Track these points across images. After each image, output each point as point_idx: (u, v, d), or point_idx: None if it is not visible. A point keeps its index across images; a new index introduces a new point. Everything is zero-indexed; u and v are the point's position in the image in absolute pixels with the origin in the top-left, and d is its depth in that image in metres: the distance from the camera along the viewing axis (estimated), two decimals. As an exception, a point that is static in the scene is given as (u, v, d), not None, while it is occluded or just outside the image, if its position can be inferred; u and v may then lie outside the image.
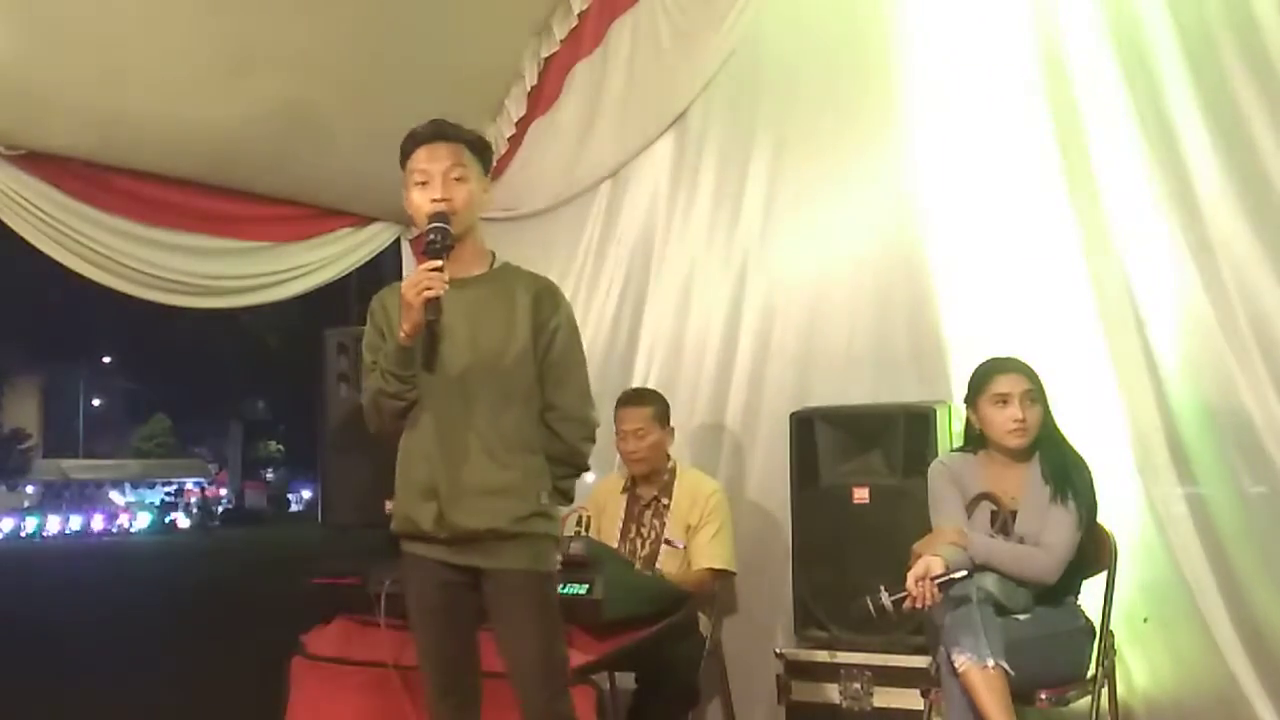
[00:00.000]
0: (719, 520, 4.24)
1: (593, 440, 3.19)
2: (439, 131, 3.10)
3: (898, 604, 3.30)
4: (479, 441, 2.98)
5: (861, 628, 3.83)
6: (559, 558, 3.20)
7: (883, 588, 3.33)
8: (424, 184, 3.02)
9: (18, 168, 4.16)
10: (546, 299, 3.10)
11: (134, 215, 4.47)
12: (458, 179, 3.03)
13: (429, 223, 2.95)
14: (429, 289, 2.86)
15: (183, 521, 41.78)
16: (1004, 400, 3.58)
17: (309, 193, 4.93)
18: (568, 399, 3.10)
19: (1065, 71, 4.07)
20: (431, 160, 3.03)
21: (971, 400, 3.67)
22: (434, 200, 2.99)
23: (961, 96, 4.28)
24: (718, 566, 4.22)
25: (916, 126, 4.37)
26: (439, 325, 2.92)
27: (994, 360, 3.68)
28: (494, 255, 3.16)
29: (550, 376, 3.07)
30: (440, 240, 2.92)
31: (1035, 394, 3.59)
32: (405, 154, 3.09)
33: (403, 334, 2.93)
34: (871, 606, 3.31)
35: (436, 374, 3.00)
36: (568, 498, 3.20)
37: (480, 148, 3.15)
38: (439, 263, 2.89)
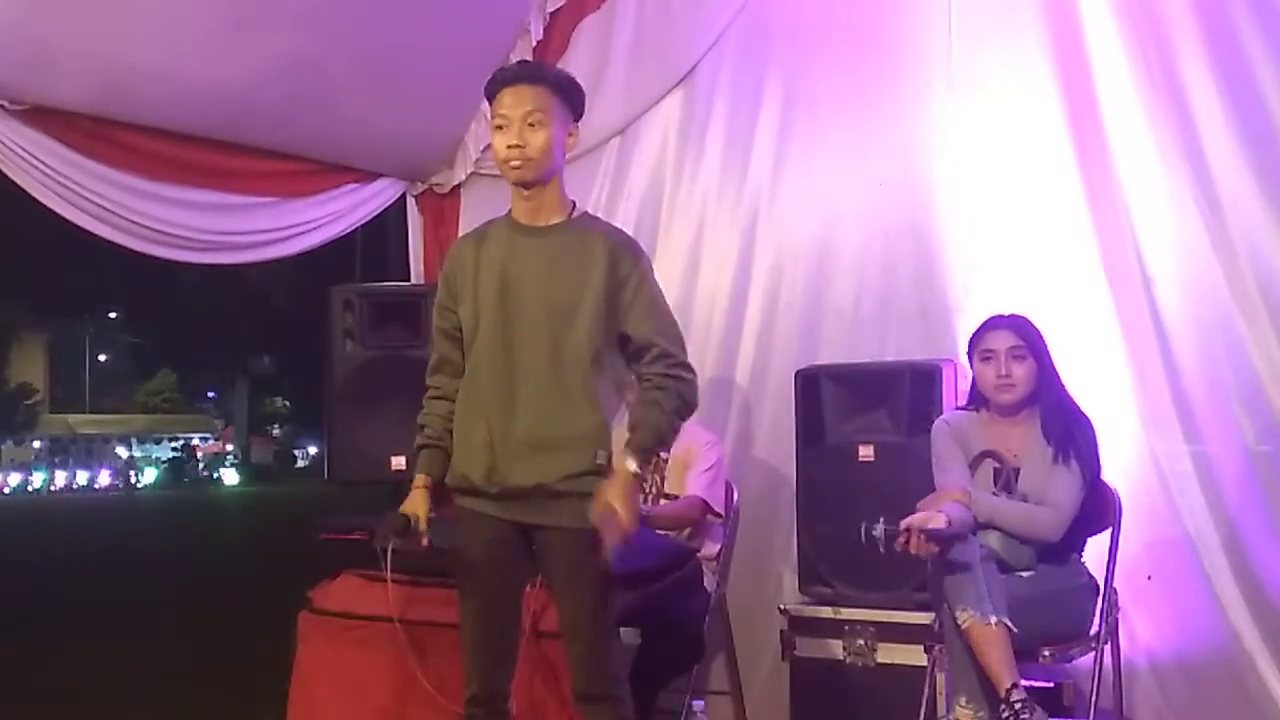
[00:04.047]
0: (712, 459, 4.18)
1: (689, 368, 3.04)
2: (521, 73, 3.03)
3: (889, 537, 3.29)
4: (537, 395, 2.92)
5: (865, 584, 3.85)
6: None
7: (882, 519, 3.32)
8: (501, 128, 2.95)
9: (22, 122, 4.14)
10: (624, 255, 2.98)
11: (138, 170, 4.44)
12: (534, 124, 2.92)
13: (383, 538, 2.99)
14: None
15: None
16: (990, 356, 3.59)
17: (313, 148, 4.90)
18: (647, 332, 2.97)
19: (1075, 27, 4.04)
20: (513, 104, 2.93)
21: (969, 356, 3.69)
22: (509, 146, 2.91)
23: (970, 53, 4.25)
24: (703, 495, 4.12)
25: (926, 83, 4.34)
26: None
27: (990, 317, 3.68)
28: (574, 204, 3.06)
29: (631, 319, 2.96)
30: (388, 550, 2.99)
31: (1022, 350, 3.58)
32: (489, 95, 3.00)
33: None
34: (864, 533, 3.32)
35: (501, 323, 2.94)
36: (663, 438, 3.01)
37: (567, 88, 3.02)
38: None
